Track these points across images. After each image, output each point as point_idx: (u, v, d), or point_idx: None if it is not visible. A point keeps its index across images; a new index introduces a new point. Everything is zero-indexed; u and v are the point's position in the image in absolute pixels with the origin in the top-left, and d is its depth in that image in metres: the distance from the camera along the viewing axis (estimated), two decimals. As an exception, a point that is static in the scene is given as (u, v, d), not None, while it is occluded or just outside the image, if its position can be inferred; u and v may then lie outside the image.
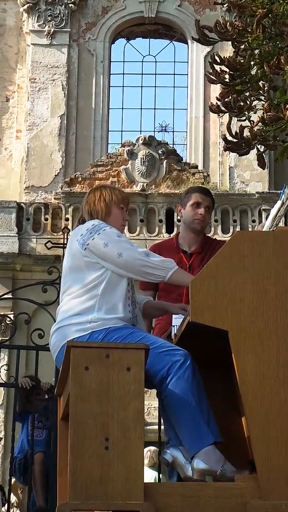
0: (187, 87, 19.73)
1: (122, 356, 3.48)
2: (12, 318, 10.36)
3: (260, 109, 6.22)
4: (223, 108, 6.24)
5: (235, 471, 3.57)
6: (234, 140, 6.20)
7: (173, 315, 4.41)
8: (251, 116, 6.28)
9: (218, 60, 6.19)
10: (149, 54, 20.55)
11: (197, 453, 3.60)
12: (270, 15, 6.10)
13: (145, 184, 17.88)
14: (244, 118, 6.24)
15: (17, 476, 7.39)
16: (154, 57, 20.55)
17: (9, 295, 12.35)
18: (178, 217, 5.47)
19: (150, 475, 9.44)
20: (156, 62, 20.53)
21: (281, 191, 3.99)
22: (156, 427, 6.44)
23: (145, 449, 9.04)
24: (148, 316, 4.40)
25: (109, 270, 3.88)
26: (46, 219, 17.60)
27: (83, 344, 3.59)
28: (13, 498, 9.92)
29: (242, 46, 6.17)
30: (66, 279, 3.96)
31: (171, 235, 14.70)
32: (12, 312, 14.70)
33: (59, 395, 4.07)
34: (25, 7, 19.36)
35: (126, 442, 3.39)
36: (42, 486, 7.26)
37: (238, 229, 16.81)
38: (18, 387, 7.18)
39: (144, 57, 20.53)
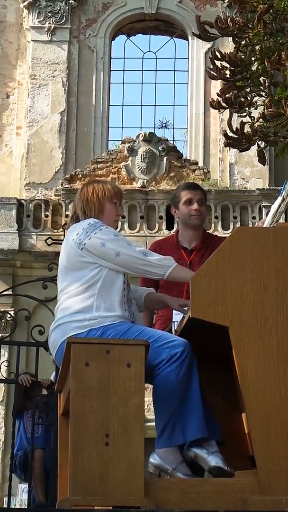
0: (188, 83, 19.72)
1: (123, 352, 3.48)
2: (12, 315, 10.38)
3: (261, 105, 6.21)
4: (223, 104, 6.22)
5: (189, 474, 3.62)
6: (235, 136, 6.19)
7: (174, 311, 4.41)
8: (251, 112, 6.26)
9: (219, 56, 6.18)
10: (150, 51, 20.54)
11: (160, 449, 3.64)
12: (271, 10, 6.09)
13: (145, 180, 17.87)
14: (244, 114, 6.23)
15: (18, 473, 7.39)
16: (155, 53, 20.54)
17: (9, 292, 12.35)
18: (176, 218, 5.45)
19: None
20: (156, 58, 20.52)
21: (282, 187, 3.99)
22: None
23: None
24: (149, 308, 4.40)
25: (104, 269, 3.87)
26: (47, 216, 17.60)
27: (84, 340, 3.59)
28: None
29: (243, 42, 6.16)
30: (63, 278, 3.96)
31: (171, 231, 14.69)
32: (13, 309, 14.68)
33: (59, 391, 4.07)
34: (25, 3, 19.34)
35: (126, 438, 3.39)
36: (41, 482, 7.26)
37: (238, 225, 16.79)
38: (18, 384, 7.18)
39: (144, 53, 20.52)
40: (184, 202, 5.22)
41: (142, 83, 20.36)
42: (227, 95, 6.15)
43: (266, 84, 6.26)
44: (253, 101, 6.22)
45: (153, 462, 3.68)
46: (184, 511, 3.19)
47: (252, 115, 6.23)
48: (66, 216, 17.25)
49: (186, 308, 3.96)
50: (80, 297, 3.84)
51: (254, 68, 6.21)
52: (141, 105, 20.31)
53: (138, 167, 18.01)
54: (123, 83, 20.27)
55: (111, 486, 3.35)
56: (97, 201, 4.04)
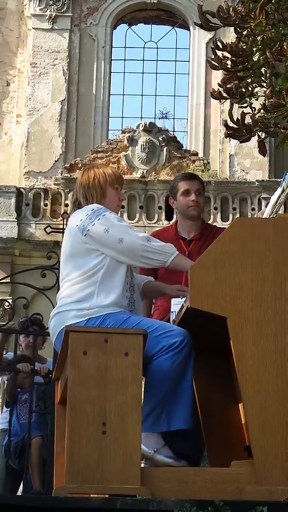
0: (189, 74, 19.68)
1: (121, 341, 3.49)
2: (11, 303, 10.37)
3: (262, 96, 6.19)
4: (224, 94, 6.21)
5: (171, 457, 3.64)
6: (235, 126, 6.18)
7: (172, 301, 4.41)
8: (252, 103, 6.25)
9: (220, 46, 6.16)
10: (151, 40, 20.49)
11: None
12: (273, 1, 6.07)
13: (145, 170, 17.86)
14: (245, 104, 6.21)
15: (12, 460, 7.38)
16: (156, 43, 20.49)
17: (8, 280, 12.35)
18: (174, 209, 5.46)
19: None
20: (157, 48, 20.47)
21: (282, 178, 3.99)
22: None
23: None
24: (147, 297, 4.40)
25: (108, 257, 3.86)
26: (46, 205, 17.60)
27: (82, 329, 3.60)
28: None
29: (245, 32, 6.13)
30: (66, 265, 3.94)
31: (171, 222, 14.69)
32: (11, 297, 14.69)
33: (57, 379, 4.07)
34: (27, -9, 19.28)
35: (123, 427, 3.40)
36: (39, 470, 7.25)
37: (237, 217, 16.79)
38: (17, 372, 7.18)
39: (145, 43, 20.47)
40: (181, 193, 5.22)
41: (143, 73, 20.32)
42: (228, 85, 6.13)
43: (268, 74, 6.24)
44: (254, 91, 6.20)
45: None
46: (180, 500, 3.20)
47: (253, 106, 6.21)
48: (66, 205, 17.25)
49: (183, 292, 3.97)
50: (81, 285, 3.83)
51: (255, 58, 6.18)
52: (142, 95, 20.28)
53: (138, 157, 17.99)
54: (124, 72, 20.23)
55: (108, 475, 3.35)
56: (98, 186, 4.01)
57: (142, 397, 3.56)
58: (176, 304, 4.29)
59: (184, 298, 3.98)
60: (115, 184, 4.05)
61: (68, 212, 13.31)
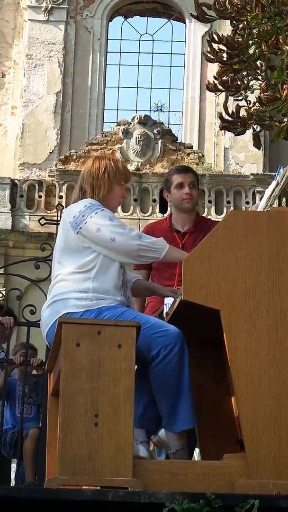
0: (184, 66, 19.65)
1: (114, 333, 3.48)
2: (4, 294, 10.37)
3: (257, 89, 6.19)
4: (220, 87, 6.21)
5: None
6: (230, 119, 6.17)
7: (166, 293, 4.40)
8: (247, 96, 6.25)
9: (216, 39, 6.15)
10: (147, 33, 20.45)
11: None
12: (269, -6, 6.06)
13: (139, 163, 17.83)
14: (240, 97, 6.21)
15: (7, 450, 7.37)
16: (152, 35, 20.45)
17: (1, 271, 12.33)
18: (168, 202, 5.46)
19: None
20: (153, 41, 20.44)
21: (276, 172, 3.98)
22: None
23: None
24: (137, 295, 4.40)
25: (100, 254, 3.86)
26: (40, 197, 17.58)
27: (75, 320, 3.59)
28: None
29: (241, 25, 6.12)
30: (60, 259, 3.94)
31: (165, 215, 14.69)
32: (4, 288, 14.67)
33: (49, 371, 4.07)
34: (23, -18, 19.21)
35: (115, 419, 3.40)
36: (33, 462, 7.25)
37: (231, 210, 16.78)
38: (10, 363, 7.18)
39: (141, 35, 20.43)
40: (175, 186, 5.22)
41: (138, 65, 20.29)
42: (223, 78, 6.13)
43: (263, 67, 6.23)
44: (250, 84, 6.20)
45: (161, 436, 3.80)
46: (172, 492, 3.20)
47: (248, 99, 6.21)
48: (60, 197, 17.23)
49: (177, 294, 3.97)
50: (76, 280, 3.82)
51: (251, 51, 6.17)
52: (137, 87, 20.25)
53: (132, 150, 17.96)
54: (120, 65, 20.20)
55: (100, 467, 3.35)
56: (107, 181, 4.01)
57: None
58: (170, 297, 4.28)
59: (176, 294, 3.99)
60: (122, 181, 4.07)
61: (62, 203, 13.24)
